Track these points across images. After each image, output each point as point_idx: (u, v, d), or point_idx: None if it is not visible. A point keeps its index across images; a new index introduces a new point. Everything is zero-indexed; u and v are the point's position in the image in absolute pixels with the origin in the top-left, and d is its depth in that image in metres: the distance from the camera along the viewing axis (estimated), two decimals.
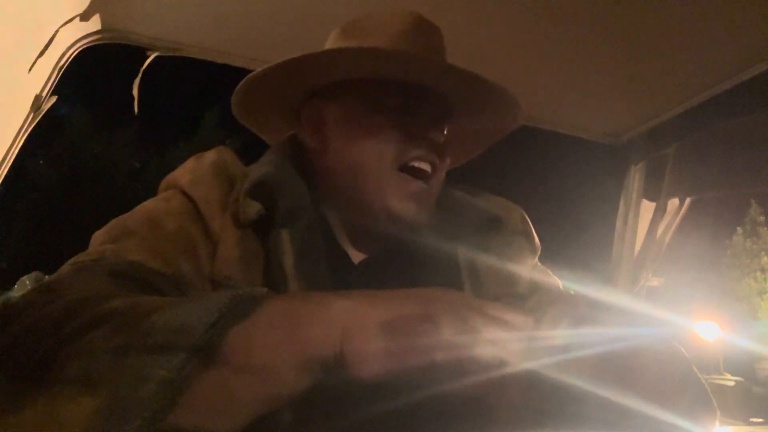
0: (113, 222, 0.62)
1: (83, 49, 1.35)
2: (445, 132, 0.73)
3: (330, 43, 0.77)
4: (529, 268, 0.75)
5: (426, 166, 0.68)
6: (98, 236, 0.60)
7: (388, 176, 0.67)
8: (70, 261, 0.55)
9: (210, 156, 0.69)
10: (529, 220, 0.80)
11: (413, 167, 0.68)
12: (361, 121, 0.69)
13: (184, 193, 0.65)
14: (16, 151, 1.22)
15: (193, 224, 0.62)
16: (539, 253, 0.79)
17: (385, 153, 0.67)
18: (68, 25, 1.22)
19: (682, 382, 0.54)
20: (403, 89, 0.68)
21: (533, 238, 0.78)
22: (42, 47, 1.16)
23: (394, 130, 0.67)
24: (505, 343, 0.37)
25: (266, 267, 0.62)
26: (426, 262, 0.69)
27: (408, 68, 0.67)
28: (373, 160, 0.67)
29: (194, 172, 0.67)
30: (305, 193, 0.68)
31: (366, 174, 0.67)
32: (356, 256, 0.71)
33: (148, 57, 1.43)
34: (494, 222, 0.74)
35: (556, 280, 0.75)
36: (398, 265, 0.70)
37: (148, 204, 0.65)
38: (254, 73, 0.70)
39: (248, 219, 0.62)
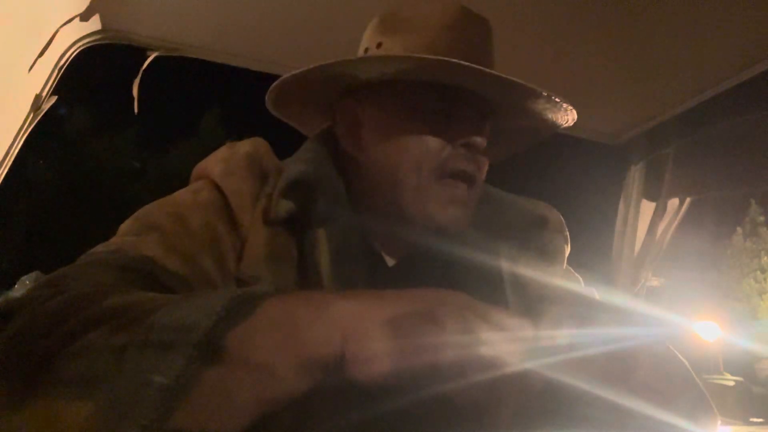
0: (141, 211, 0.60)
1: (83, 49, 1.35)
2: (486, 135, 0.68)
3: (368, 35, 0.72)
4: (562, 270, 0.74)
5: (466, 175, 0.65)
6: (125, 226, 0.59)
7: (428, 183, 0.64)
8: (89, 251, 0.54)
9: (244, 146, 0.67)
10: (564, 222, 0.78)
11: (455, 173, 0.65)
12: (399, 126, 0.65)
13: (215, 185, 0.63)
14: (16, 151, 1.22)
15: (219, 219, 0.61)
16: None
17: (426, 161, 0.63)
18: (68, 25, 1.22)
19: (682, 384, 0.54)
20: (444, 92, 0.64)
21: (568, 240, 0.77)
22: (42, 47, 1.16)
23: (435, 136, 0.64)
24: (506, 344, 0.37)
25: (300, 267, 0.60)
26: (465, 264, 0.66)
27: (447, 73, 0.63)
28: (413, 166, 0.64)
29: (227, 162, 0.65)
30: (344, 193, 0.66)
31: (405, 180, 0.64)
32: (390, 259, 0.69)
33: (148, 57, 1.43)
34: (540, 222, 0.72)
35: (579, 279, 0.74)
36: (435, 267, 0.68)
37: (179, 195, 0.63)
38: (289, 74, 0.67)
39: (279, 217, 0.61)
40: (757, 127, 1.53)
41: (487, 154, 0.68)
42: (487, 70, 0.62)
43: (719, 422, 0.53)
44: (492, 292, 0.66)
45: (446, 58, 0.61)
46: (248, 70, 1.56)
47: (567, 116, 0.70)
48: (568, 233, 0.77)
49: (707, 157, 1.68)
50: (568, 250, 0.77)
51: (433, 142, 0.64)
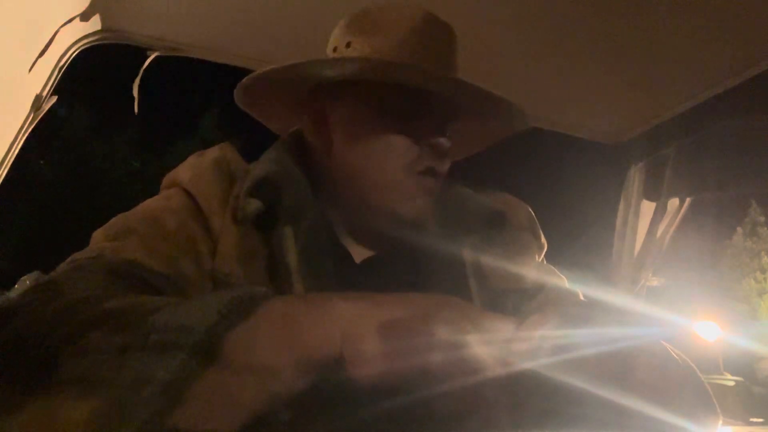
0: (114, 220, 0.62)
1: (83, 49, 1.36)
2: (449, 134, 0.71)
3: (336, 36, 0.74)
4: (535, 265, 0.75)
5: (434, 172, 0.68)
6: (98, 234, 0.60)
7: (395, 179, 0.66)
8: (69, 259, 0.55)
9: (212, 153, 0.69)
10: (534, 217, 0.79)
11: (422, 171, 0.67)
12: (367, 124, 0.67)
13: (185, 191, 0.65)
14: (16, 151, 1.22)
15: (193, 221, 0.62)
16: (545, 250, 0.79)
17: (392, 160, 0.66)
18: (68, 25, 1.22)
19: (682, 383, 0.54)
20: (409, 93, 0.67)
21: (539, 234, 0.78)
22: (42, 47, 1.16)
23: (401, 135, 0.66)
24: (502, 344, 0.37)
25: (269, 264, 0.62)
26: (430, 259, 0.68)
27: (415, 76, 0.65)
28: (379, 164, 0.66)
29: (195, 168, 0.67)
30: (309, 191, 0.67)
31: (372, 176, 0.67)
32: (359, 255, 0.71)
33: (148, 57, 1.43)
34: (497, 217, 0.73)
35: (562, 278, 0.75)
36: (401, 263, 0.70)
37: (149, 202, 0.65)
38: (257, 72, 0.69)
39: (247, 216, 0.62)
40: (757, 127, 1.53)
41: (449, 157, 0.71)
42: (446, 74, 0.67)
43: (720, 421, 0.53)
44: (456, 287, 0.67)
45: (409, 63, 0.65)
46: (248, 70, 1.56)
47: (522, 121, 0.74)
48: (537, 226, 0.78)
49: (707, 157, 1.68)
50: (539, 243, 0.78)
51: (399, 141, 0.66)
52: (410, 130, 0.67)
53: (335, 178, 0.70)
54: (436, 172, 0.68)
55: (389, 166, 0.66)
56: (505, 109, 0.71)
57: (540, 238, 0.78)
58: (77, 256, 0.55)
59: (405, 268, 0.69)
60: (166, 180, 0.69)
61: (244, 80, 0.71)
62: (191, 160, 0.69)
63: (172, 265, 0.57)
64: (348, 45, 0.70)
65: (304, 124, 0.73)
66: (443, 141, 0.67)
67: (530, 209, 0.80)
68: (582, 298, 0.72)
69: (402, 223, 0.67)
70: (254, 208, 0.62)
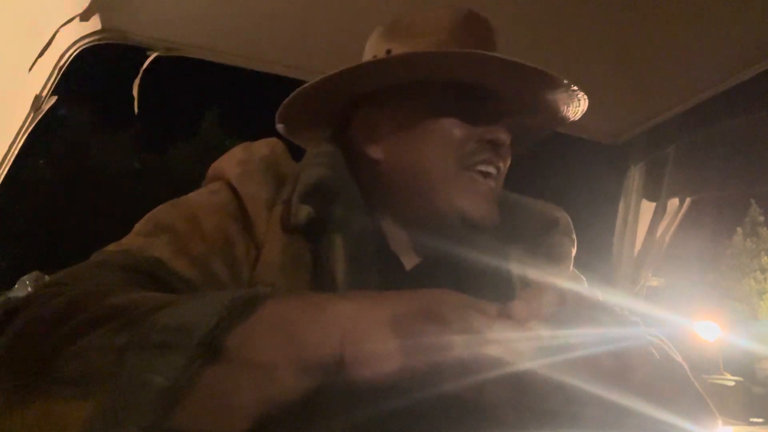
0: (156, 210, 0.60)
1: (83, 49, 1.36)
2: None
3: (373, 44, 0.72)
4: (568, 274, 0.74)
5: (492, 169, 0.66)
6: (139, 225, 0.58)
7: (455, 177, 0.64)
8: (100, 250, 0.54)
9: (261, 149, 0.66)
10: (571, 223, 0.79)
11: (479, 171, 0.65)
12: (421, 126, 0.65)
13: (232, 188, 0.62)
14: (16, 151, 1.22)
15: (234, 223, 0.60)
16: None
17: (450, 157, 0.64)
18: (68, 25, 1.22)
19: (682, 384, 0.54)
20: (461, 91, 0.65)
21: (575, 241, 0.77)
22: (42, 47, 1.16)
23: (455, 131, 0.64)
24: (507, 343, 0.37)
25: (314, 273, 0.59)
26: (478, 266, 0.66)
27: (465, 68, 0.63)
28: (438, 164, 0.64)
29: (244, 165, 0.64)
30: (360, 198, 0.66)
31: (431, 178, 0.64)
32: (409, 262, 0.69)
33: (148, 57, 1.44)
34: (552, 224, 0.72)
35: (584, 281, 0.75)
36: (450, 270, 0.67)
37: (194, 196, 0.63)
38: (303, 87, 0.67)
39: (299, 223, 0.59)
40: (757, 127, 1.53)
41: (509, 153, 0.68)
42: (501, 57, 0.63)
43: (720, 422, 0.53)
44: (502, 295, 0.66)
45: (478, 51, 0.62)
46: (248, 70, 1.56)
47: (579, 106, 0.73)
48: (573, 233, 0.77)
49: (707, 157, 1.68)
50: (574, 251, 0.77)
51: (456, 136, 0.64)
52: (467, 126, 0.65)
53: (387, 184, 0.68)
54: (495, 169, 0.66)
55: (445, 163, 0.64)
56: (560, 97, 0.69)
57: (575, 245, 0.77)
58: (108, 248, 0.55)
59: (454, 274, 0.67)
60: (213, 170, 0.67)
61: (287, 100, 0.68)
62: (240, 154, 0.66)
63: (202, 268, 0.55)
64: (388, 52, 0.68)
65: (352, 132, 0.70)
66: (504, 136, 0.65)
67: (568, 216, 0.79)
68: (599, 299, 0.71)
69: (470, 225, 0.64)
70: (306, 214, 0.59)
